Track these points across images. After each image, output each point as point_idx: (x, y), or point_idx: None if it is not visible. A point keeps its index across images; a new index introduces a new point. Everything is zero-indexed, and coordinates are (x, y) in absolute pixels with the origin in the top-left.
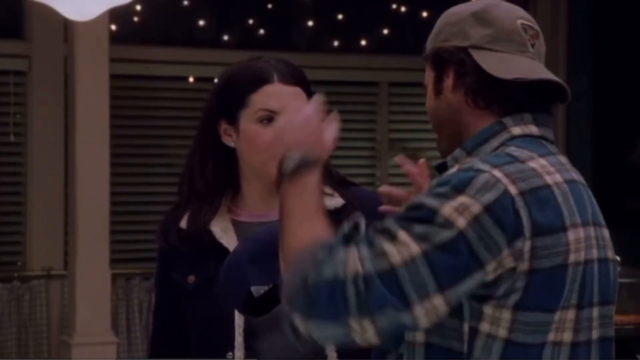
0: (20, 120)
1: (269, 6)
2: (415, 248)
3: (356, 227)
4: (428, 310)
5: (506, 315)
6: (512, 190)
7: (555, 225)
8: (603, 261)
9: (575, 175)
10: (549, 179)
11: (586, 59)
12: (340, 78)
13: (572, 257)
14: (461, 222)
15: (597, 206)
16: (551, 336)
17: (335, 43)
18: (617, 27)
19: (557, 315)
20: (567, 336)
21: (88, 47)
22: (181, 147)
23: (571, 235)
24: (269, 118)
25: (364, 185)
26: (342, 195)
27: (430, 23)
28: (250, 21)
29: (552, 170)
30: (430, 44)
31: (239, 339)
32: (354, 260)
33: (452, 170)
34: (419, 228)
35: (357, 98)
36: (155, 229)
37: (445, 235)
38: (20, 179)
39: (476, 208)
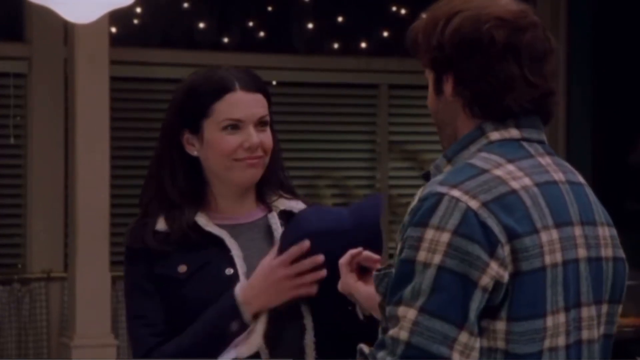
0: (20, 122)
1: (269, 8)
2: (412, 313)
3: (361, 352)
4: (462, 351)
5: (501, 327)
6: (474, 204)
7: (528, 228)
8: (594, 260)
9: (558, 175)
10: (514, 184)
11: (586, 59)
12: (340, 80)
13: (547, 259)
14: (437, 258)
15: (593, 204)
16: (547, 343)
17: (335, 45)
18: (618, 26)
19: (550, 321)
20: (562, 340)
21: (88, 49)
22: None
23: (544, 237)
24: (233, 126)
25: (363, 188)
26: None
27: None
28: (250, 23)
29: (520, 175)
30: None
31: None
32: None
33: (417, 196)
34: (407, 290)
35: (356, 100)
36: None
37: (428, 278)
38: (20, 182)
39: (446, 237)
